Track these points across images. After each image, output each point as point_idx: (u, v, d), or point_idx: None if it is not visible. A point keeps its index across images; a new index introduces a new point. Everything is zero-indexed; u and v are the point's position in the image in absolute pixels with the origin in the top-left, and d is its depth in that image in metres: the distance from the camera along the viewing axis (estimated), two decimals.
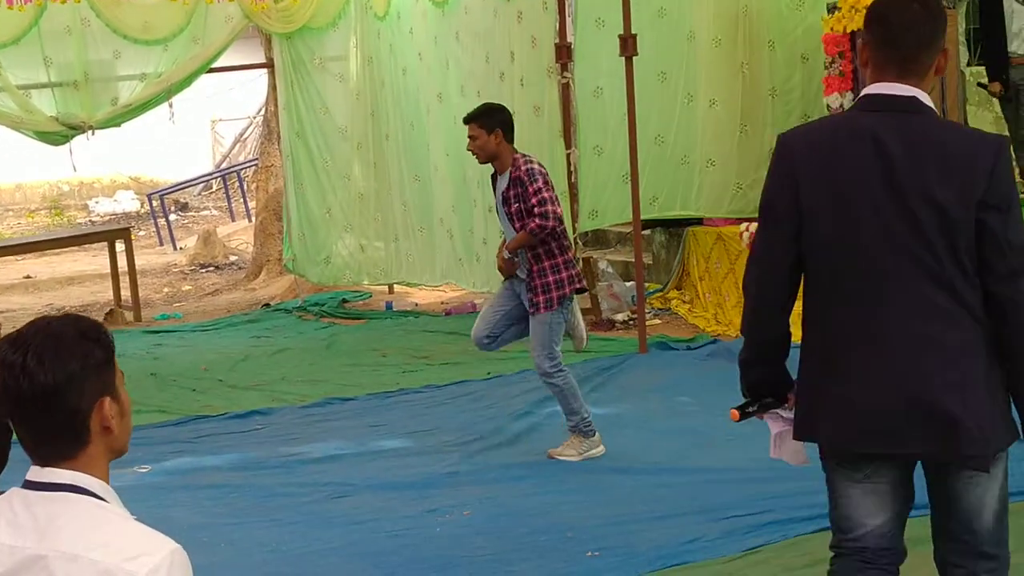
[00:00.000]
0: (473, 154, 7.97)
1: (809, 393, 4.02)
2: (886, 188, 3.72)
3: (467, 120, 7.94)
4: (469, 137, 7.89)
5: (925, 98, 3.79)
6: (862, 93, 3.91)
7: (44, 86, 13.62)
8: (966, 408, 3.71)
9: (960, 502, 3.96)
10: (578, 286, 7.92)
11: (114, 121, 14.24)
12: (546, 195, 7.69)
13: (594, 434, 7.91)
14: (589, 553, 6.04)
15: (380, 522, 6.80)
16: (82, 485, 2.67)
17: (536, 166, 7.85)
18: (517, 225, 7.78)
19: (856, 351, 3.84)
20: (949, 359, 3.73)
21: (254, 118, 30.57)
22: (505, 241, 8.00)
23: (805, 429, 4.06)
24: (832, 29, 11.68)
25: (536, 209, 7.64)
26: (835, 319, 3.90)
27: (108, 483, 2.74)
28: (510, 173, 7.81)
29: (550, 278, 7.77)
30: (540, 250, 7.77)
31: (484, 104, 8.31)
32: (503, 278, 8.08)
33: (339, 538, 6.55)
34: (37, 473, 2.69)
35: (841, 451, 3.99)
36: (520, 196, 7.73)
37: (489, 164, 7.99)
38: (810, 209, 3.81)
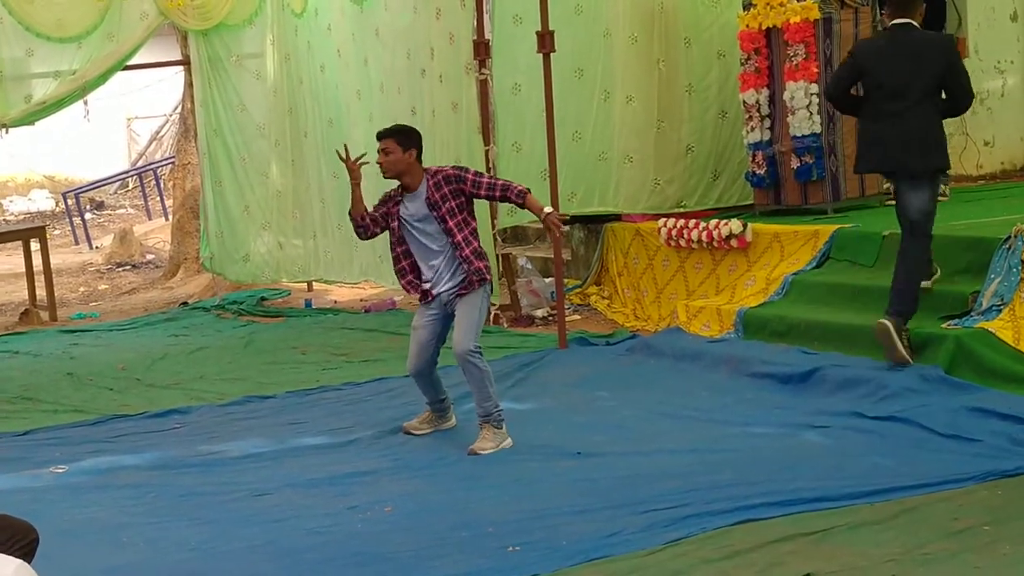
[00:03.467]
0: (381, 167, 8.05)
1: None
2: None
3: (383, 136, 8.05)
4: (381, 151, 8.00)
5: (915, 23, 8.52)
6: (889, 24, 8.70)
7: None
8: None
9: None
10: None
11: (28, 119, 14.12)
12: (488, 175, 8.11)
13: (503, 425, 7.99)
14: (510, 548, 6.04)
15: (300, 520, 6.77)
16: None
17: (457, 164, 8.06)
18: (451, 224, 7.92)
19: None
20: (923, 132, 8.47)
21: (170, 116, 30.35)
22: (412, 262, 8.17)
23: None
24: (747, 26, 11.78)
25: (499, 182, 8.03)
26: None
27: None
28: (426, 183, 7.98)
29: (479, 264, 7.98)
30: (467, 233, 7.97)
31: (400, 125, 8.42)
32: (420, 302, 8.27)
33: (259, 536, 6.52)
34: None
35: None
36: (454, 193, 7.93)
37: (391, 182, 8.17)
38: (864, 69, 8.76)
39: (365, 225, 8.22)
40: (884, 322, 8.47)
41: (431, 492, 7.14)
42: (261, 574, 5.98)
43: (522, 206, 8.01)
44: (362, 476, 7.56)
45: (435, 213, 7.94)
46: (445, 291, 8.07)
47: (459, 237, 7.95)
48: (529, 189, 8.02)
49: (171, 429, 9.17)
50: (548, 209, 8.00)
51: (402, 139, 8.00)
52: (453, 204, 7.93)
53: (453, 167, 8.09)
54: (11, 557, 2.58)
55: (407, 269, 8.21)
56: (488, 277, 8.09)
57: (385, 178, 8.13)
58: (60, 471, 8.04)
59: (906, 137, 8.47)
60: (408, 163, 7.98)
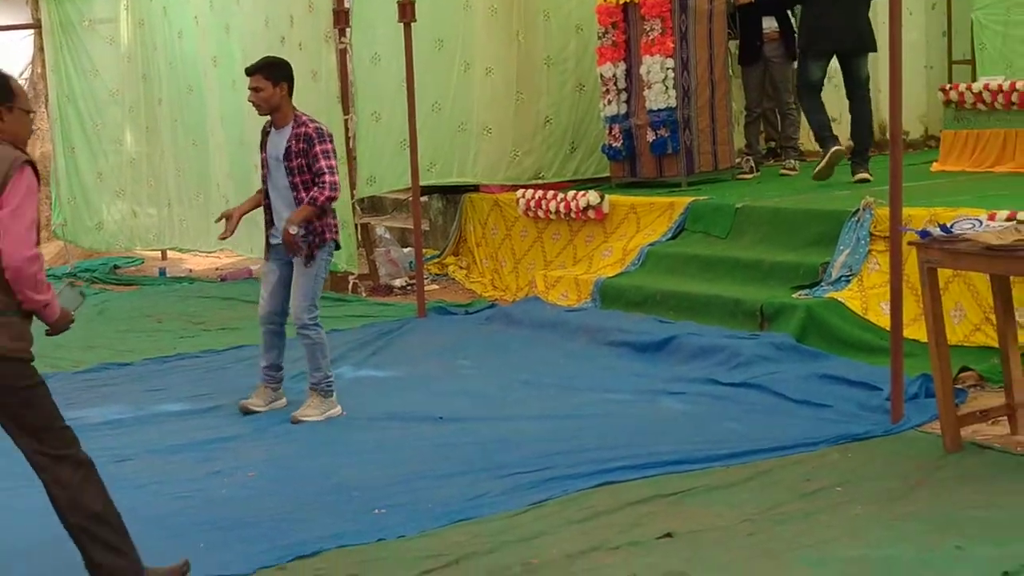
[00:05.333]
0: (255, 105, 7.95)
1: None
2: None
3: (251, 71, 7.93)
4: (252, 88, 7.88)
5: None
6: None
7: None
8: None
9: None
10: (337, 237, 8.03)
11: None
12: (333, 162, 7.85)
13: (332, 395, 8.04)
14: (376, 511, 6.10)
15: (163, 485, 6.75)
16: None
17: (324, 127, 7.98)
18: (297, 179, 7.83)
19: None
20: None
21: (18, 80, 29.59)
22: (269, 203, 8.05)
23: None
24: (605, 1, 11.92)
25: (327, 178, 7.77)
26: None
27: None
28: (292, 128, 7.86)
29: (316, 225, 7.87)
30: (309, 195, 7.84)
31: (268, 57, 8.32)
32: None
33: (122, 502, 6.36)
34: None
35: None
36: (304, 152, 7.80)
37: (267, 117, 8.03)
38: None
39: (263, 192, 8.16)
40: (841, 148, 10.93)
41: (294, 458, 7.16)
42: None
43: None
44: (224, 442, 7.56)
45: (287, 162, 7.85)
46: (277, 248, 8.03)
47: (301, 194, 7.85)
48: (326, 201, 7.78)
49: None
50: (293, 230, 7.76)
51: (271, 72, 7.87)
52: (303, 162, 7.82)
53: (316, 129, 7.88)
54: None
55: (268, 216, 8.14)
56: (326, 239, 7.92)
57: (260, 115, 8.04)
58: None
59: (859, 21, 10.96)
60: (279, 98, 7.88)
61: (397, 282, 12.63)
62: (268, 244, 8.18)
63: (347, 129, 12.21)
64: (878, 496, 5.89)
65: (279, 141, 7.93)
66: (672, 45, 11.51)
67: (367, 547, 5.63)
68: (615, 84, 11.96)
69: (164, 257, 15.79)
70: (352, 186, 12.22)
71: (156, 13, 14.63)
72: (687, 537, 5.49)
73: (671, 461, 6.56)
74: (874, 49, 11.03)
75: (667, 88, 11.57)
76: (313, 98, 12.21)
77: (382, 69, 12.32)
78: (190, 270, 14.99)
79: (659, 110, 11.64)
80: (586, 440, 7.08)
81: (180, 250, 15.45)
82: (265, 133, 8.09)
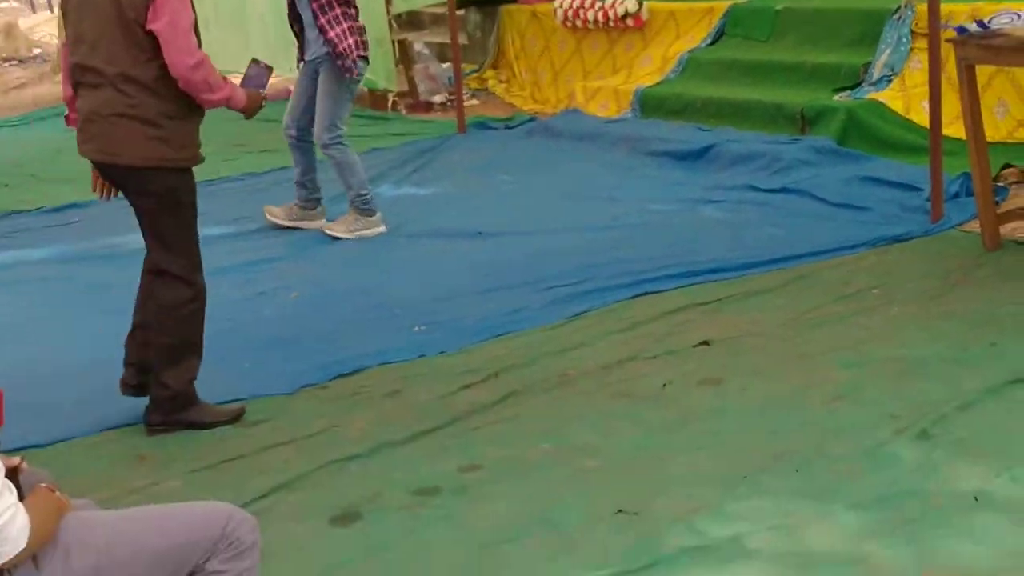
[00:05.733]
0: None
1: None
2: None
3: None
4: None
5: None
6: None
7: None
8: None
9: None
10: (365, 53, 7.98)
11: None
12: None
13: (373, 213, 8.06)
14: (416, 328, 6.17)
15: (209, 307, 6.77)
16: None
17: None
18: (314, 5, 7.78)
19: None
20: None
21: None
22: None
23: None
24: None
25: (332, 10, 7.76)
26: None
27: None
28: None
29: (340, 46, 7.82)
30: (331, 14, 7.81)
31: None
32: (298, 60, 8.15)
33: None
34: None
35: None
36: None
37: None
38: None
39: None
40: None
41: (336, 278, 7.21)
42: None
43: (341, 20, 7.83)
44: (267, 263, 7.63)
45: None
46: (313, 58, 8.03)
47: (322, 19, 7.84)
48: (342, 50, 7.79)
49: (71, 223, 9.12)
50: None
51: None
52: None
53: None
54: None
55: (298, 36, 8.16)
56: (346, 62, 7.85)
57: None
58: None
59: None
60: None
61: (436, 98, 12.56)
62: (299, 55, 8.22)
63: None
64: (915, 296, 5.90)
65: None
66: None
67: (408, 364, 5.71)
68: None
69: None
70: (387, 1, 12.08)
71: None
72: (723, 344, 5.54)
73: (709, 269, 6.59)
74: None
75: None
76: None
77: None
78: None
79: None
80: (625, 251, 7.10)
81: (237, 72, 15.37)
82: None
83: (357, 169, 8.05)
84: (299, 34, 8.12)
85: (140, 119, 4.96)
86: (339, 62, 7.82)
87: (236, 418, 5.29)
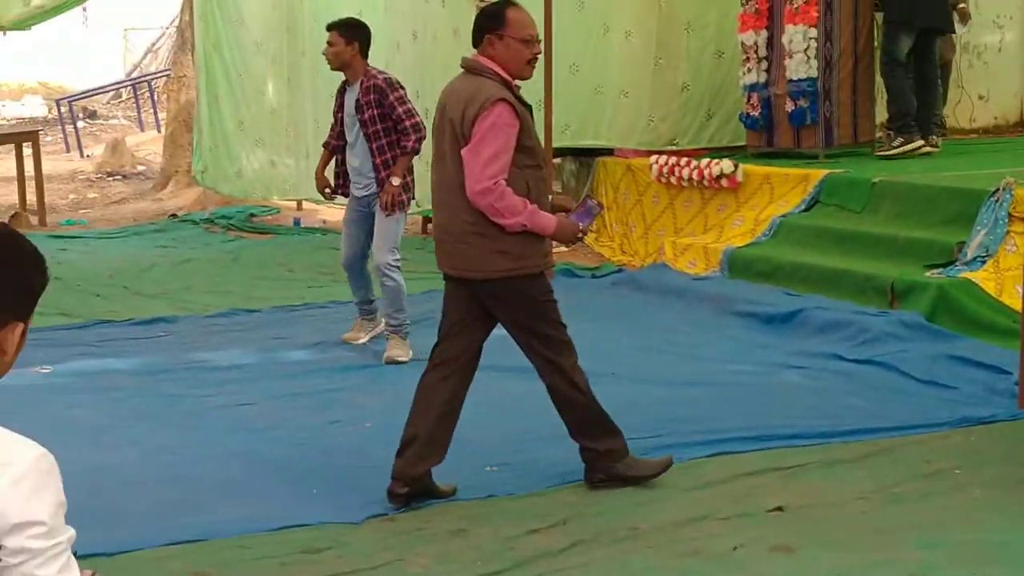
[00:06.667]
0: (327, 59, 8.41)
1: None
2: None
3: (330, 27, 8.40)
4: (328, 43, 8.34)
5: None
6: None
7: None
8: None
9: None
10: (413, 194, 8.47)
11: (25, 23, 14.04)
12: (410, 106, 8.28)
13: (407, 339, 8.33)
14: (489, 468, 6.13)
15: (283, 431, 6.85)
16: None
17: (393, 77, 8.39)
18: (370, 130, 8.20)
19: None
20: None
21: (166, 29, 30.16)
22: (332, 156, 8.70)
23: None
24: None
25: (408, 123, 8.18)
26: None
27: None
28: (362, 83, 8.23)
29: (398, 183, 8.24)
30: (383, 143, 8.22)
31: (350, 17, 8.78)
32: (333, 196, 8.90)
33: (241, 444, 6.60)
34: None
35: None
36: (377, 103, 8.17)
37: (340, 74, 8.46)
38: None
39: (332, 146, 8.75)
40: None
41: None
42: (241, 480, 6.06)
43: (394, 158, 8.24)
44: (343, 392, 7.65)
45: (359, 115, 8.25)
46: (366, 194, 8.42)
47: (373, 145, 8.25)
48: (416, 143, 8.23)
49: (157, 336, 9.23)
50: (396, 181, 8.21)
51: (346, 32, 8.32)
52: (375, 113, 8.20)
53: (385, 79, 8.30)
54: (32, 444, 2.56)
55: (342, 172, 8.60)
56: (398, 210, 8.31)
57: (332, 69, 8.49)
58: (45, 371, 8.10)
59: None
60: (351, 56, 8.29)
61: None
62: (343, 188, 8.63)
63: None
64: (998, 481, 5.78)
65: (351, 97, 8.33)
66: (816, 14, 11.32)
67: (476, 502, 5.67)
68: (756, 52, 11.82)
69: (299, 207, 15.96)
70: None
71: None
72: (798, 511, 5.44)
73: (788, 435, 6.49)
74: (953, 30, 11.69)
75: (809, 58, 11.40)
76: (454, 55, 12.15)
77: None
78: (324, 221, 15.14)
79: (800, 80, 11.47)
80: (703, 409, 7.04)
81: (315, 201, 15.58)
82: (341, 92, 8.48)
83: (405, 296, 8.39)
84: (343, 169, 8.60)
85: (483, 235, 5.46)
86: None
87: (665, 468, 5.79)
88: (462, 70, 5.62)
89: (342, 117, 8.46)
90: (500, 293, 5.57)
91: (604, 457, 5.73)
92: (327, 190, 8.80)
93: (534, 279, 5.58)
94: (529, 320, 5.63)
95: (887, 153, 11.37)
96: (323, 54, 8.46)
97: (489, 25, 5.51)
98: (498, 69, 5.47)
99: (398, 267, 8.31)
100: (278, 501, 5.71)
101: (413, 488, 5.62)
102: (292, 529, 5.36)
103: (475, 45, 5.60)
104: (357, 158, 8.38)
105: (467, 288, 5.65)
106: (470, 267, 5.54)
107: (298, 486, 5.91)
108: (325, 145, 8.88)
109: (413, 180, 8.41)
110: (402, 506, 5.58)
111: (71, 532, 2.57)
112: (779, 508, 5.47)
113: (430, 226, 13.74)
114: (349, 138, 8.40)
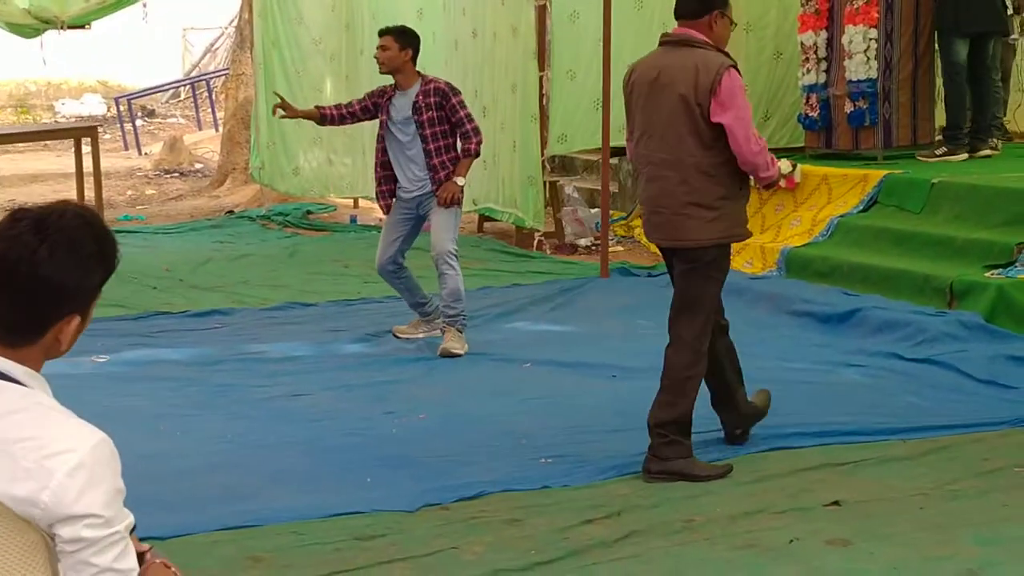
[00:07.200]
0: (379, 62, 8.44)
1: None
2: None
3: (384, 32, 8.47)
4: (380, 47, 8.41)
5: None
6: None
7: None
8: None
9: None
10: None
11: (86, 18, 14.15)
12: (470, 111, 8.44)
13: (464, 331, 8.40)
14: (542, 460, 6.11)
15: (337, 421, 6.85)
16: (7, 372, 2.61)
17: (452, 83, 8.54)
18: (427, 132, 8.29)
19: None
20: None
21: (225, 29, 30.36)
22: (388, 162, 8.57)
23: None
24: None
25: (469, 126, 8.32)
26: None
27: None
28: (420, 86, 8.35)
29: (463, 183, 8.41)
30: (440, 145, 8.35)
31: (402, 25, 8.80)
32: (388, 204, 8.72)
33: (296, 433, 6.61)
34: None
35: None
36: (438, 105, 8.28)
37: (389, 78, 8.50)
38: None
39: (326, 114, 8.71)
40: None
41: (465, 402, 7.20)
42: (294, 468, 6.06)
43: (456, 159, 8.36)
44: (399, 383, 7.65)
45: (416, 116, 8.31)
46: (418, 195, 8.48)
47: (431, 146, 8.33)
48: (478, 146, 8.37)
49: (212, 328, 9.28)
50: (460, 180, 8.34)
51: (400, 38, 8.40)
52: (434, 115, 8.30)
53: (447, 83, 8.46)
54: (93, 430, 2.59)
55: (384, 181, 8.63)
56: (456, 204, 8.44)
57: (381, 72, 8.52)
58: (101, 360, 8.16)
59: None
60: (403, 61, 8.37)
61: (582, 241, 12.62)
62: (386, 198, 8.68)
63: (541, 86, 12.21)
64: None
65: (404, 102, 8.39)
66: (876, 15, 11.23)
67: (531, 493, 5.64)
68: (815, 53, 11.74)
69: (356, 205, 16.00)
70: (543, 143, 12.22)
71: None
72: (855, 506, 5.39)
73: (846, 431, 6.43)
74: (1007, 32, 11.51)
75: (868, 59, 11.30)
76: (511, 53, 12.24)
77: (580, 27, 12.29)
78: (380, 219, 15.14)
79: (859, 81, 11.38)
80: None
81: (372, 199, 15.63)
82: (388, 99, 8.48)
83: (463, 286, 8.45)
84: (389, 173, 8.62)
85: (701, 205, 5.75)
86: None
87: (725, 473, 5.78)
88: (664, 45, 5.95)
89: (386, 121, 8.46)
90: (701, 256, 5.81)
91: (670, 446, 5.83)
92: (279, 113, 8.78)
93: (726, 250, 5.96)
94: (700, 284, 5.86)
95: (927, 160, 11.24)
96: (375, 57, 8.51)
97: (717, 3, 5.82)
98: (711, 43, 5.78)
99: (457, 256, 8.41)
100: (332, 489, 5.71)
101: (743, 424, 6.27)
102: (346, 516, 5.36)
103: (691, 17, 5.83)
104: (408, 160, 8.43)
105: (675, 254, 5.94)
106: (688, 236, 5.79)
107: (352, 474, 5.91)
108: (321, 108, 8.86)
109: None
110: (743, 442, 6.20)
111: (129, 519, 2.59)
112: (836, 503, 5.42)
113: (487, 224, 13.79)
114: (402, 139, 8.42)
